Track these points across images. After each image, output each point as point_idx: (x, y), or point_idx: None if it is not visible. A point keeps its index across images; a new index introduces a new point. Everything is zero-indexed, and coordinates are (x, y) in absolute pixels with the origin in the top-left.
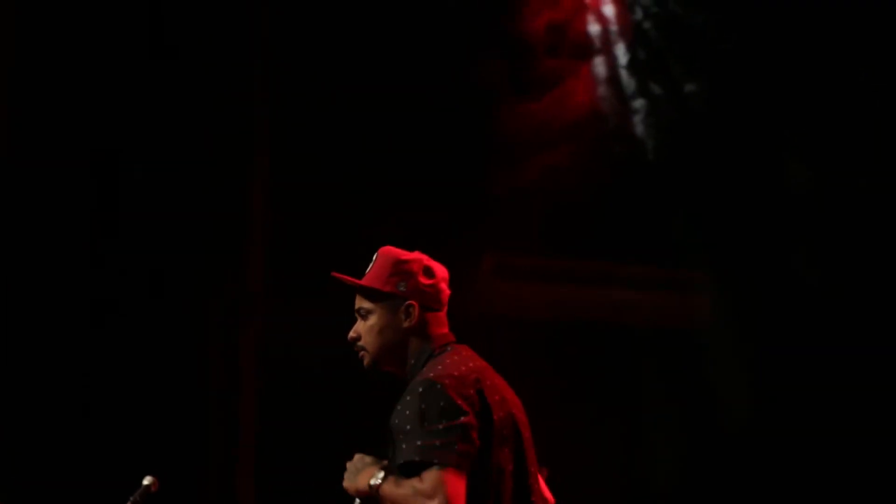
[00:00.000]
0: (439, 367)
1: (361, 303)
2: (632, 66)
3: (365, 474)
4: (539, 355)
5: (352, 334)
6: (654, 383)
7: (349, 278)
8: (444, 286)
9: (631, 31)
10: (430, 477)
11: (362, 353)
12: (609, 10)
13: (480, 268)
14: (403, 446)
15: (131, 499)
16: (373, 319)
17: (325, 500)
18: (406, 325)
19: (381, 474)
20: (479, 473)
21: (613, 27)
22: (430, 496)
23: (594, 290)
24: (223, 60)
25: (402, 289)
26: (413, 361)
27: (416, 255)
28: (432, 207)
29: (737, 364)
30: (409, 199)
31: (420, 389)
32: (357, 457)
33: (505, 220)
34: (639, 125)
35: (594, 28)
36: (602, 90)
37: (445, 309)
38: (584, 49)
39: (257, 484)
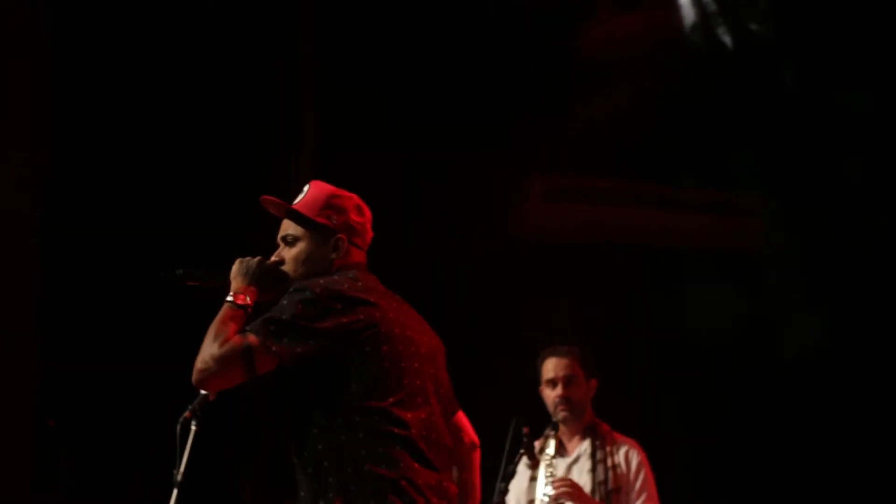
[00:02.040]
0: (322, 280)
1: (288, 229)
2: None
3: (244, 284)
4: (587, 278)
5: (275, 258)
6: (703, 307)
7: (281, 202)
8: (369, 226)
9: None
10: (237, 338)
11: (285, 278)
12: None
13: (530, 190)
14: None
15: (190, 407)
16: (300, 247)
17: None
18: (332, 256)
19: (245, 302)
20: (328, 384)
21: None
22: (221, 344)
23: (648, 213)
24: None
25: (333, 221)
26: None
27: (349, 193)
28: (484, 128)
29: (794, 288)
30: (459, 118)
31: (292, 289)
32: (256, 262)
33: (559, 141)
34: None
35: None
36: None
37: (365, 250)
38: None
39: None
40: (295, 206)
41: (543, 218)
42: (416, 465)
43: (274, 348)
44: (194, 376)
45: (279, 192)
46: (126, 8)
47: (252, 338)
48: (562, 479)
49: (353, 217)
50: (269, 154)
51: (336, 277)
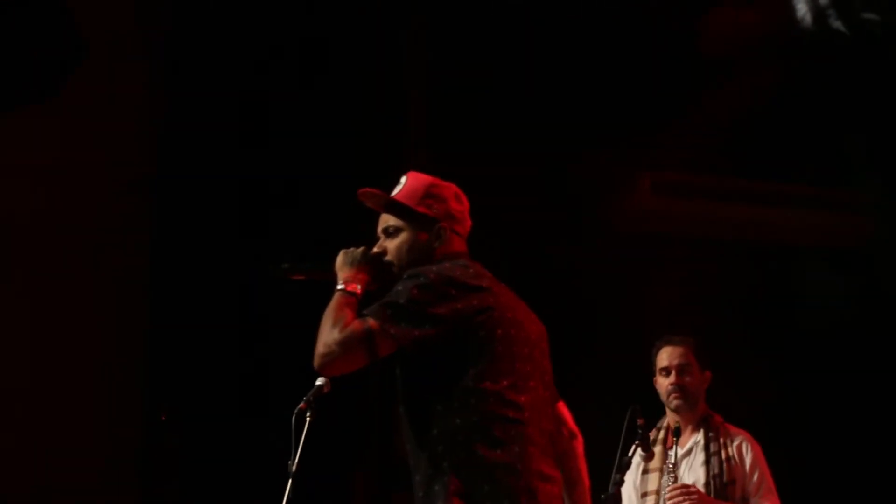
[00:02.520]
0: (435, 267)
1: (389, 221)
2: None
3: (352, 274)
4: (700, 273)
5: (377, 249)
6: (815, 303)
7: (380, 192)
8: (468, 215)
9: None
10: (357, 322)
11: (391, 268)
12: None
13: (638, 184)
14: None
15: (305, 398)
16: (402, 237)
17: None
18: (435, 245)
19: (355, 289)
20: (443, 368)
21: None
22: (342, 329)
23: (757, 209)
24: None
25: (434, 210)
26: None
27: (447, 182)
28: (597, 125)
29: None
30: (568, 115)
31: (406, 275)
32: (361, 251)
33: (670, 136)
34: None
35: None
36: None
37: (466, 237)
38: None
39: None
40: (395, 197)
41: (655, 212)
42: (530, 448)
43: (393, 331)
44: (316, 361)
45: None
46: (241, 36)
47: (371, 321)
48: (680, 488)
49: (453, 205)
50: (380, 155)
51: (447, 265)
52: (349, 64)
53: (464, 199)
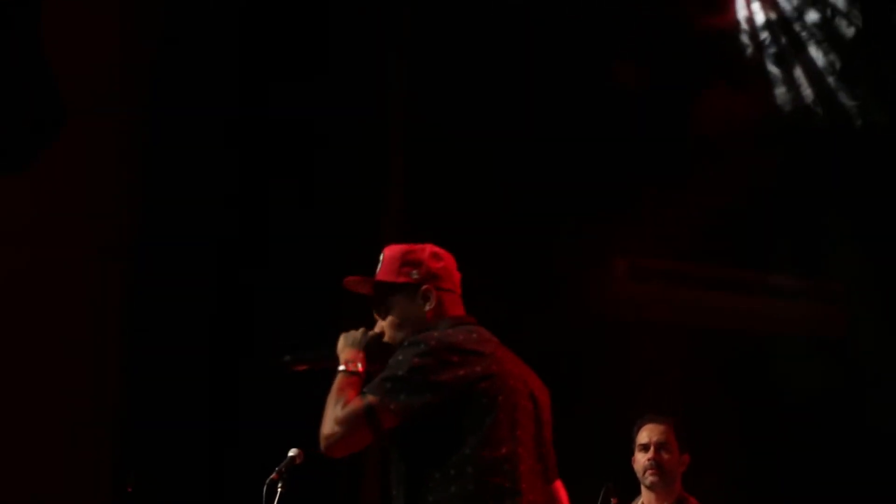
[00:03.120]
0: (436, 333)
1: (379, 303)
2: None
3: (353, 355)
4: (671, 361)
5: (376, 330)
6: (792, 392)
7: (363, 278)
8: (453, 268)
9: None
10: (357, 400)
11: (391, 346)
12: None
13: (613, 271)
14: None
15: (278, 469)
16: (394, 313)
17: None
18: (427, 308)
19: (357, 368)
20: (443, 436)
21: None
22: (343, 407)
23: (733, 297)
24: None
25: (415, 276)
26: None
27: (421, 245)
28: (567, 211)
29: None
30: (544, 200)
31: (406, 343)
32: (361, 332)
33: (644, 222)
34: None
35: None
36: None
37: (459, 291)
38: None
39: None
40: (377, 279)
41: (630, 298)
42: None
43: (392, 406)
44: (322, 444)
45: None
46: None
47: (371, 397)
48: None
49: (433, 265)
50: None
51: (450, 331)
52: (333, 132)
53: (443, 254)
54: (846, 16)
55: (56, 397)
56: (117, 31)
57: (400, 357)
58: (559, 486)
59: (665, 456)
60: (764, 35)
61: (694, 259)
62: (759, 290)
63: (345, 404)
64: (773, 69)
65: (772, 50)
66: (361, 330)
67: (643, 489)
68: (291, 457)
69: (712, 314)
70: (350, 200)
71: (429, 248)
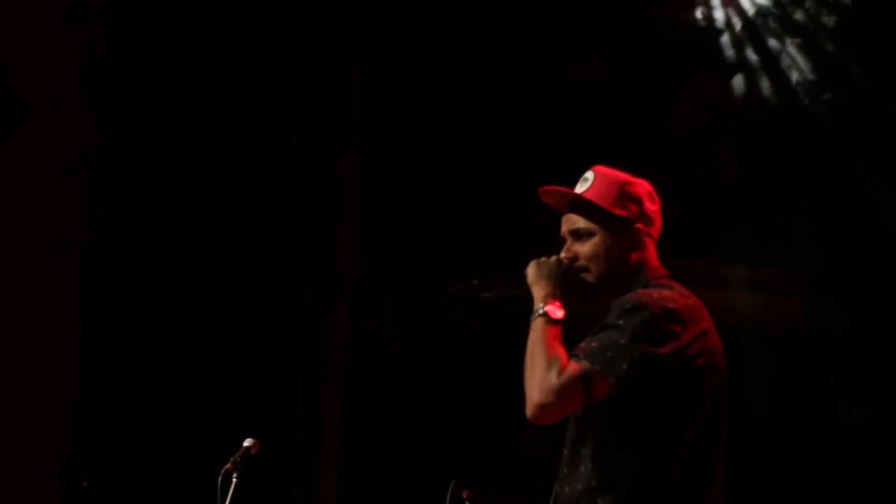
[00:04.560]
0: (656, 294)
1: (578, 223)
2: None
3: (550, 289)
4: None
5: (566, 254)
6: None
7: (567, 190)
8: (660, 216)
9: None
10: (574, 365)
11: (583, 274)
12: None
13: None
14: (583, 343)
15: (233, 459)
16: (596, 240)
17: (408, 484)
18: (632, 249)
19: (559, 314)
20: (657, 410)
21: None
22: (559, 374)
23: (690, 290)
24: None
25: (630, 212)
26: (630, 289)
27: (639, 178)
28: (529, 202)
29: (842, 367)
30: (499, 187)
31: (628, 307)
32: (555, 262)
33: None
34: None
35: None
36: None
37: (656, 239)
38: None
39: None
40: (585, 195)
41: None
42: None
43: (613, 379)
44: (532, 411)
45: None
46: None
47: (588, 365)
48: None
49: (648, 206)
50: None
51: (666, 293)
52: (287, 139)
53: (657, 198)
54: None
55: (9, 393)
56: (73, 30)
57: (622, 321)
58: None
59: None
60: (726, 29)
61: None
62: (715, 282)
63: (561, 370)
64: (736, 63)
65: (734, 43)
66: (555, 258)
67: None
68: (247, 447)
69: None
70: (306, 205)
71: (647, 186)
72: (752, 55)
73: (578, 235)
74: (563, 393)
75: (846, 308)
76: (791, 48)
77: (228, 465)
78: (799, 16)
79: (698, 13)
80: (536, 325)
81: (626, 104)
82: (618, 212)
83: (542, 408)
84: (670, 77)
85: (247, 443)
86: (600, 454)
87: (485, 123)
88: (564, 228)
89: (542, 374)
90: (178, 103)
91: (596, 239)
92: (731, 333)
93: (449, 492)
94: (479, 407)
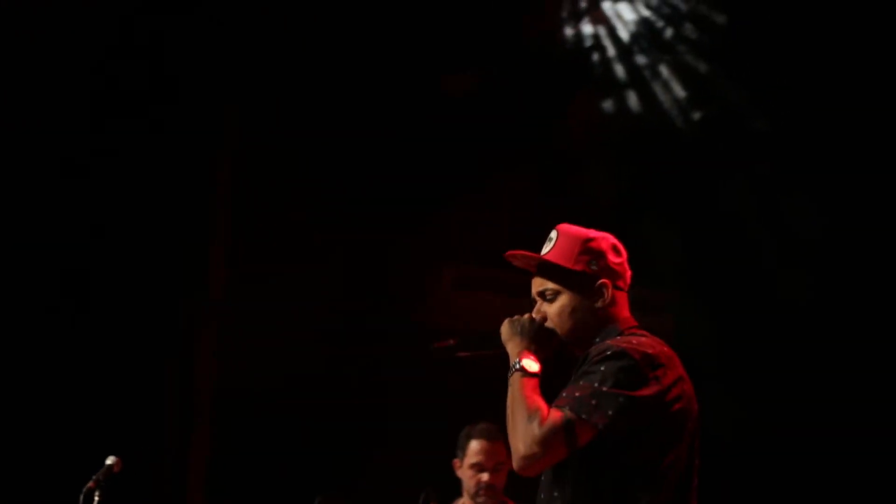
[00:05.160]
0: (634, 340)
1: (546, 284)
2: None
3: (524, 345)
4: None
5: (536, 315)
6: None
7: (531, 254)
8: (627, 265)
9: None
10: (556, 414)
11: (553, 335)
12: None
13: (441, 279)
14: (565, 393)
15: (94, 477)
16: (563, 300)
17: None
18: (599, 304)
19: (535, 367)
20: (639, 455)
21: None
22: (540, 424)
23: None
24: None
25: (593, 267)
26: (598, 341)
27: (602, 233)
28: (394, 217)
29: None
30: (370, 205)
31: (608, 353)
32: (528, 320)
33: (469, 231)
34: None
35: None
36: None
37: (627, 289)
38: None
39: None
40: (547, 258)
41: (456, 307)
42: None
43: (600, 424)
44: (518, 463)
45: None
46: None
47: (571, 414)
48: None
49: (612, 259)
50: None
51: (643, 339)
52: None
53: (622, 249)
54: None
55: None
56: None
57: (602, 368)
58: None
59: (499, 477)
60: (597, 46)
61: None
62: None
63: (542, 421)
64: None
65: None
66: (527, 316)
67: (465, 496)
68: (109, 465)
69: None
70: (175, 226)
71: (610, 239)
72: (623, 73)
73: (546, 297)
74: (545, 443)
75: (715, 324)
76: (663, 67)
77: (90, 483)
78: (671, 34)
79: (569, 30)
80: (514, 380)
81: (496, 118)
82: (580, 268)
83: (527, 459)
84: (541, 93)
85: (109, 461)
86: (575, 499)
87: (356, 142)
88: (533, 290)
89: (524, 427)
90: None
91: (562, 299)
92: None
93: (421, 499)
94: (348, 422)
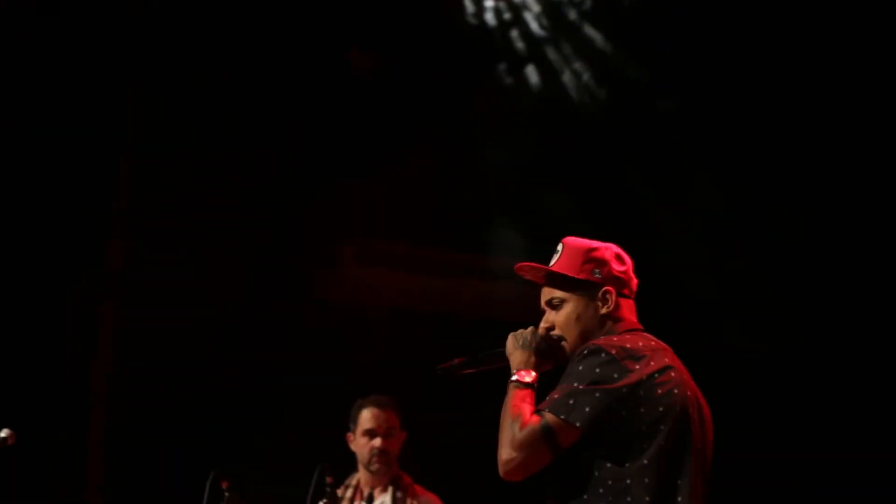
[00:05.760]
0: (615, 338)
1: (553, 293)
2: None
3: (525, 358)
4: (396, 343)
5: (544, 325)
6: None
7: (539, 266)
8: (632, 273)
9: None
10: (535, 418)
11: (562, 342)
12: None
13: (342, 254)
14: (547, 398)
15: None
16: (568, 308)
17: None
18: (604, 311)
19: (529, 378)
20: (619, 446)
21: None
22: (520, 429)
23: (456, 281)
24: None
25: (597, 275)
26: None
27: (605, 243)
28: (295, 193)
29: None
30: (272, 181)
31: (585, 352)
32: (531, 332)
33: (370, 206)
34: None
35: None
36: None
37: (634, 296)
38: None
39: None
40: (553, 268)
41: (354, 282)
42: None
43: (578, 423)
44: (501, 469)
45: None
46: None
47: (550, 416)
48: None
49: (616, 267)
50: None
51: (627, 336)
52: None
53: (626, 258)
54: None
55: None
56: None
57: (580, 367)
58: None
59: (392, 442)
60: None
61: (418, 243)
62: (482, 274)
63: (522, 425)
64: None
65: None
66: (531, 329)
67: (361, 468)
68: (3, 437)
69: (436, 297)
70: (74, 201)
71: (613, 248)
72: (525, 49)
73: (553, 305)
74: (524, 446)
75: None
76: (566, 44)
77: None
78: (576, 13)
79: (470, 7)
80: (508, 393)
81: (400, 95)
82: (584, 277)
83: (508, 463)
84: (444, 70)
85: (3, 433)
86: (568, 498)
87: (258, 118)
88: (542, 301)
89: (507, 432)
90: None
91: (568, 306)
92: (500, 325)
93: (208, 483)
94: (248, 398)
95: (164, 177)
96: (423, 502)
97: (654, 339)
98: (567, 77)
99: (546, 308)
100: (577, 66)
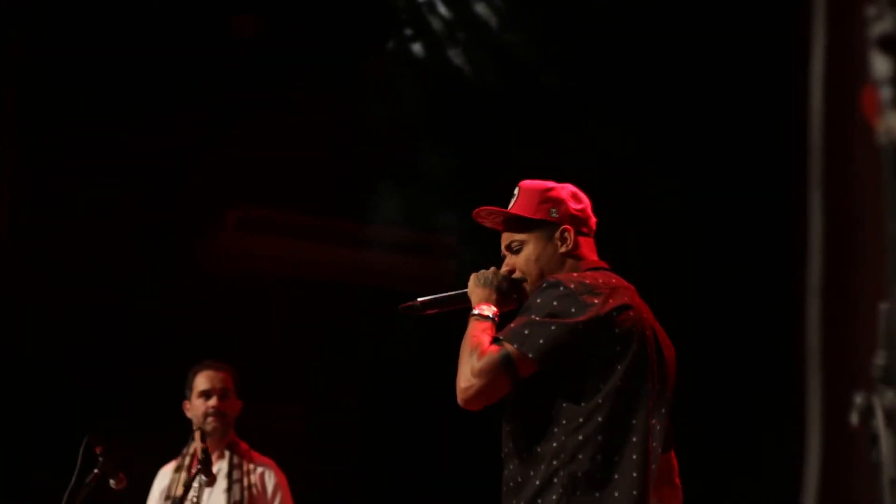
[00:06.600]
0: (575, 275)
1: (512, 237)
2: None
3: (486, 294)
4: (281, 312)
5: (505, 268)
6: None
7: (497, 209)
8: (591, 212)
9: None
10: (493, 347)
11: (523, 283)
12: None
13: (224, 220)
14: (505, 328)
15: None
16: (528, 249)
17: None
18: (563, 249)
19: (489, 312)
20: (574, 383)
21: None
22: (479, 358)
23: (340, 250)
24: None
25: (554, 215)
26: None
27: (562, 183)
28: (176, 160)
29: None
30: (154, 144)
31: (544, 285)
32: (492, 272)
33: (253, 172)
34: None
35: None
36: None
37: (593, 234)
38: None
39: None
40: (510, 211)
41: (236, 249)
42: (648, 477)
43: (531, 354)
44: (459, 396)
45: None
46: None
47: (508, 346)
48: None
49: (572, 205)
50: None
51: (588, 273)
52: None
53: (583, 197)
54: None
55: None
56: None
57: (538, 300)
58: (672, 455)
59: (227, 403)
60: None
61: (304, 211)
62: (369, 243)
63: (481, 354)
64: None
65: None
66: (492, 269)
67: (196, 436)
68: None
69: (321, 266)
70: None
71: (569, 188)
72: (410, 15)
73: (513, 249)
74: (483, 374)
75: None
76: (448, 12)
77: None
78: None
79: None
80: (469, 326)
81: (283, 58)
82: (541, 217)
83: (467, 391)
84: (333, 32)
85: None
86: (523, 435)
87: (142, 82)
88: (503, 246)
89: (466, 360)
90: None
91: (527, 248)
92: (377, 295)
93: (82, 448)
94: (125, 366)
95: (39, 142)
96: (259, 469)
97: (616, 276)
98: (451, 50)
99: (506, 253)
100: (461, 35)
